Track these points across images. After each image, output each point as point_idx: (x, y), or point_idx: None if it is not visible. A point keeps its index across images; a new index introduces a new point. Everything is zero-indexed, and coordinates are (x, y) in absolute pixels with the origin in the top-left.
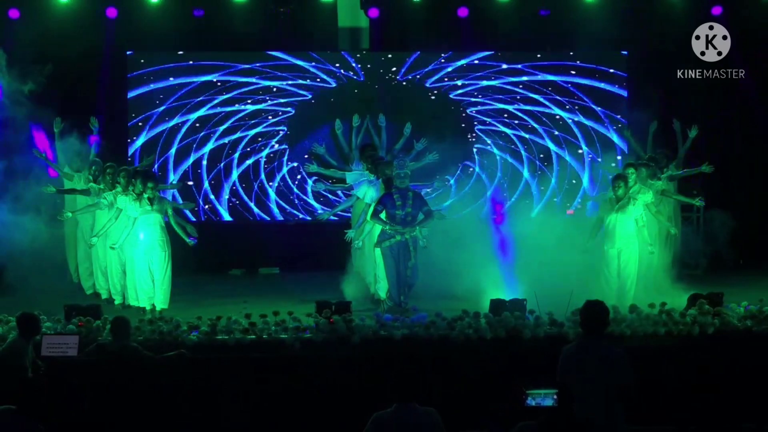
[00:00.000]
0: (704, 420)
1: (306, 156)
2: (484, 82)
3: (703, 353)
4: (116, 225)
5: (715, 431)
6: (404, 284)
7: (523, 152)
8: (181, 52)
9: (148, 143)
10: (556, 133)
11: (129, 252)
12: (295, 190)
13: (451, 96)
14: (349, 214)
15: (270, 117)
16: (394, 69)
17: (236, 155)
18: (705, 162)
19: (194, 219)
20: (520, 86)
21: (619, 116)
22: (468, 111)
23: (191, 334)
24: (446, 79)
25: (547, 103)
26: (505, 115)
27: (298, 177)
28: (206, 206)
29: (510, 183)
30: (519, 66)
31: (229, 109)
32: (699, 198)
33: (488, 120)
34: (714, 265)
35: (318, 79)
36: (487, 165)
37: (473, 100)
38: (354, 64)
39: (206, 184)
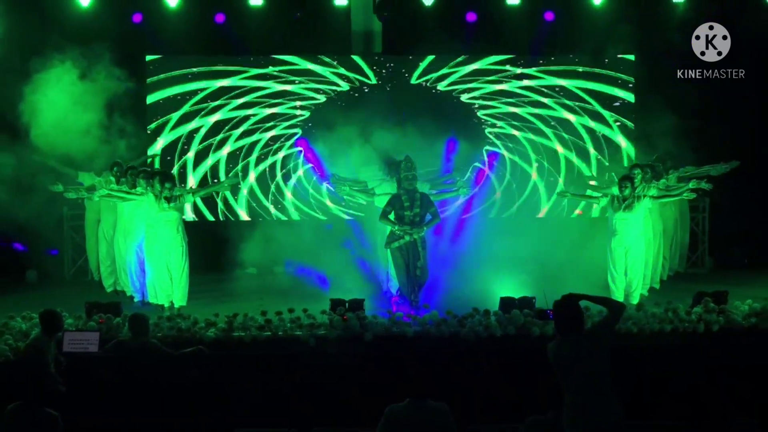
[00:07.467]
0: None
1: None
2: (495, 86)
3: (708, 350)
4: (138, 223)
5: (720, 428)
6: (415, 283)
7: (531, 154)
8: (197, 57)
9: (167, 147)
10: (565, 136)
11: (147, 250)
12: (311, 191)
13: (462, 99)
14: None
15: (285, 120)
16: (406, 74)
17: (252, 158)
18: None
19: (213, 219)
20: (530, 90)
21: (626, 120)
22: (479, 114)
23: (208, 330)
24: (457, 84)
25: (555, 106)
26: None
27: (313, 179)
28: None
29: (518, 184)
30: (530, 71)
31: (244, 112)
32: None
33: (498, 123)
34: (719, 264)
35: (331, 83)
36: (496, 167)
37: (483, 103)
38: (366, 69)
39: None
